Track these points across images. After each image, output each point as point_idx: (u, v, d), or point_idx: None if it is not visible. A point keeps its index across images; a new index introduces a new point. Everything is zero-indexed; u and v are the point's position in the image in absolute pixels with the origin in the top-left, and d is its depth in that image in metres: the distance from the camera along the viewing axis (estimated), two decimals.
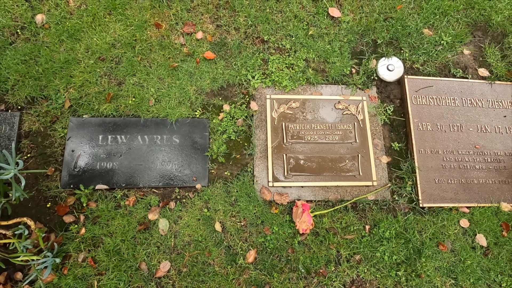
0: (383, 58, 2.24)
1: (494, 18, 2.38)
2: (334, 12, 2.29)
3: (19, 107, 1.97)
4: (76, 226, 1.80)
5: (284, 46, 2.21)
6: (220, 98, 2.10)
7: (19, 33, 2.07)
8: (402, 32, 2.29)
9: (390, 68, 2.21)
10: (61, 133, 1.95)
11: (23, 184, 1.51)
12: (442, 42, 2.31)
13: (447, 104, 2.19)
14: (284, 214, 1.92)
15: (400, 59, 2.25)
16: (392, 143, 2.13)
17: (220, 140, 2.02)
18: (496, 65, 2.32)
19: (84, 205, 1.84)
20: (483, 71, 2.31)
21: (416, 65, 2.27)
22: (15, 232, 1.59)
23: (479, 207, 2.02)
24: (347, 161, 2.04)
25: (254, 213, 1.90)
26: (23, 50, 2.01)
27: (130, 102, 2.02)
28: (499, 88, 2.27)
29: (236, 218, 1.90)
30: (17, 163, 1.50)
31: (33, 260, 1.59)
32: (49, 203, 1.84)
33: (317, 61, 2.22)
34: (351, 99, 2.17)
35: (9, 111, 1.95)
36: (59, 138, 1.94)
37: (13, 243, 1.58)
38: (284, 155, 2.02)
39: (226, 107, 2.08)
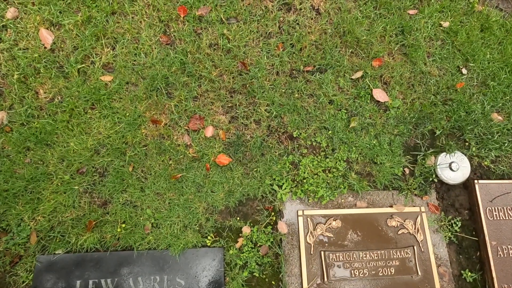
0: (444, 154, 1.76)
1: None
2: (379, 94, 1.81)
3: None
4: None
5: (319, 143, 1.72)
6: (238, 218, 1.60)
7: None
8: (465, 118, 1.81)
9: (453, 167, 1.73)
10: (25, 280, 1.43)
11: None
12: None
13: None
14: None
15: (465, 154, 1.77)
16: (462, 271, 1.64)
17: (239, 279, 1.51)
18: None
19: None
20: None
21: (485, 163, 1.79)
22: None
23: None
24: None
25: None
26: None
27: (118, 230, 1.51)
28: None
29: None
30: None
31: None
32: None
33: (361, 162, 1.73)
34: (406, 211, 1.68)
35: None
36: (22, 286, 1.43)
37: None
38: None
39: (246, 230, 1.58)
